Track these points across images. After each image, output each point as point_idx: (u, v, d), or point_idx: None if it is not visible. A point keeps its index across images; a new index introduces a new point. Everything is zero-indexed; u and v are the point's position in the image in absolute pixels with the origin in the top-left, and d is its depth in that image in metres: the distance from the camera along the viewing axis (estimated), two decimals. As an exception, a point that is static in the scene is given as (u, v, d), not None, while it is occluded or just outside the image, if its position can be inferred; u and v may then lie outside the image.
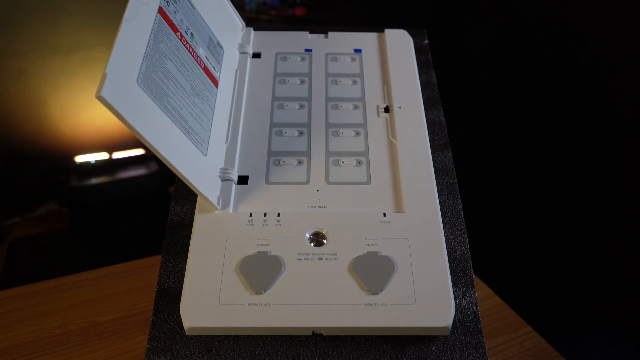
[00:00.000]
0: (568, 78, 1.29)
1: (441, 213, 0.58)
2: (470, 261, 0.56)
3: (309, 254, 0.53)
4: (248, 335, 0.51)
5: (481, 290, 0.84)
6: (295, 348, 0.51)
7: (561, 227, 1.38)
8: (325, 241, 0.54)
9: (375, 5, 1.88)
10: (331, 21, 1.98)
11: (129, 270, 0.86)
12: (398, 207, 0.57)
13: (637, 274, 1.18)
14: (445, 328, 0.49)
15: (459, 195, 0.61)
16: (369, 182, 0.59)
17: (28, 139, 1.64)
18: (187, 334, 0.50)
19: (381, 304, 0.50)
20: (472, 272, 0.55)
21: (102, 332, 0.75)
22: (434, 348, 0.51)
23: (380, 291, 0.50)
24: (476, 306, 0.53)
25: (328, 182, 0.59)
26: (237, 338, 0.51)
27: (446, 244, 0.55)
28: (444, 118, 0.67)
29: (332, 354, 0.51)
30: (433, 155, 0.63)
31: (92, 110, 1.60)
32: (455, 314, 0.52)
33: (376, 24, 0.76)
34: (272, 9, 2.05)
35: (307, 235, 0.55)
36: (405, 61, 0.71)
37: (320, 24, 0.78)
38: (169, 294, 0.53)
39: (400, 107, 0.65)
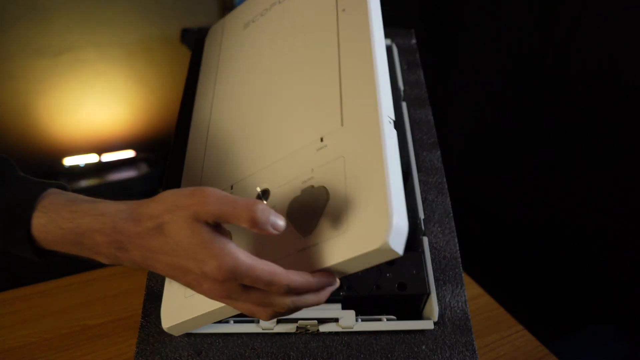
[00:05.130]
0: (557, 77, 1.30)
1: (431, 212, 0.57)
2: (460, 260, 0.56)
3: None
4: (237, 338, 0.51)
5: (472, 289, 0.84)
6: (285, 349, 0.51)
7: (552, 227, 1.39)
8: (270, 198, 0.50)
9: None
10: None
11: (119, 273, 0.85)
12: (336, 123, 0.49)
13: (626, 273, 1.19)
14: (382, 248, 0.39)
15: (448, 195, 0.61)
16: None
17: (16, 142, 1.63)
18: (166, 334, 0.50)
19: (313, 245, 0.43)
20: (461, 270, 0.55)
21: (92, 336, 0.74)
22: (424, 347, 0.51)
23: (312, 231, 0.44)
24: (466, 305, 0.53)
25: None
26: (226, 340, 0.51)
27: (435, 243, 0.55)
28: (432, 117, 0.67)
29: (322, 354, 0.51)
30: (422, 155, 0.63)
31: (80, 112, 1.59)
32: (445, 313, 0.52)
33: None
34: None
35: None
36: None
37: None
38: (158, 297, 0.53)
39: (344, 10, 0.57)
